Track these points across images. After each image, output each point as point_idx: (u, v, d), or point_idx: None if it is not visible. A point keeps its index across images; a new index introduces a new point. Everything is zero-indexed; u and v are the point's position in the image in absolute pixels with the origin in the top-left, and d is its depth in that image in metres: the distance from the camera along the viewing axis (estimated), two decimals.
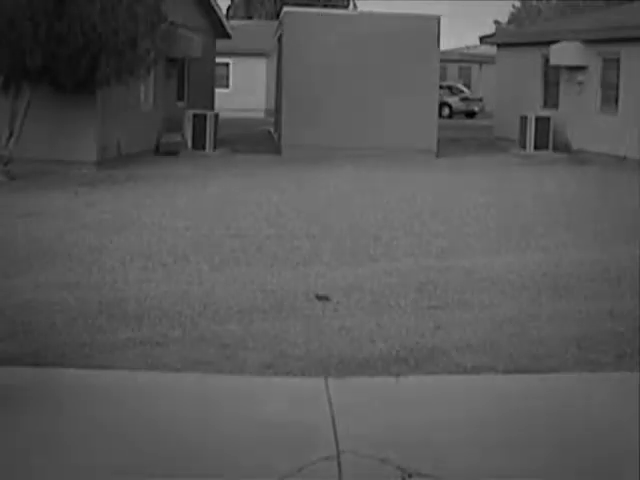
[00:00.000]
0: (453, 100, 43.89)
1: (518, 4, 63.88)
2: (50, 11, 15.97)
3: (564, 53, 23.91)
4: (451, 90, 44.16)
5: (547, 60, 24.94)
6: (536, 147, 23.88)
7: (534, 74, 26.16)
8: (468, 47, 52.10)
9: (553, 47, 24.15)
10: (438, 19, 22.84)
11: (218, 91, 31.05)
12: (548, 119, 24.00)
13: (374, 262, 9.76)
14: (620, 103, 22.49)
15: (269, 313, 7.54)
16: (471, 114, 44.02)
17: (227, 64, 40.20)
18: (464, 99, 44.56)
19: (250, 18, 54.01)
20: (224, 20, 29.09)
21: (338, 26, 22.92)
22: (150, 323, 7.14)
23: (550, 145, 23.89)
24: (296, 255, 10.02)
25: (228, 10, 54.35)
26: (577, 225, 12.45)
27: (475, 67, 50.78)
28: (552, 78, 25.57)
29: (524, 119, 24.23)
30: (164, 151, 22.10)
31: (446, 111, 42.34)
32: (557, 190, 16.66)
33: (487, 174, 19.29)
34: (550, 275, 9.14)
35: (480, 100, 44.85)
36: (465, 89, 46.17)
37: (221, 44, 30.22)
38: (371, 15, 23.88)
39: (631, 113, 21.66)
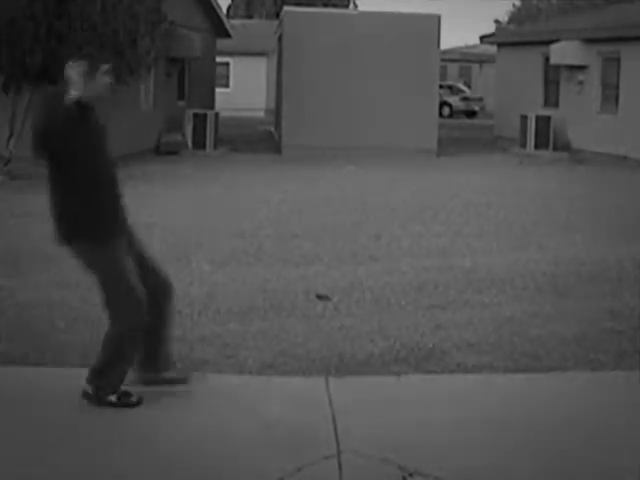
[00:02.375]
0: (453, 99, 43.90)
1: (518, 3, 63.89)
2: (50, 10, 15.97)
3: (564, 52, 23.92)
4: (451, 89, 44.17)
5: (547, 59, 24.95)
6: (536, 146, 23.88)
7: (534, 73, 26.17)
8: (468, 46, 52.12)
9: (553, 46, 24.16)
10: (438, 18, 22.84)
11: (218, 90, 31.08)
12: (548, 118, 24.00)
13: (374, 262, 9.76)
14: (620, 102, 22.49)
15: (269, 312, 7.54)
16: (471, 113, 44.03)
17: (227, 63, 40.23)
18: (464, 98, 44.57)
19: (250, 17, 54.05)
20: (224, 19, 29.12)
21: (338, 26, 22.93)
22: None
23: (550, 144, 23.89)
24: (296, 255, 10.01)
25: (228, 9, 54.40)
26: (577, 225, 12.45)
27: (475, 66, 50.82)
28: (552, 77, 25.58)
29: (524, 118, 24.24)
30: (164, 150, 22.10)
31: (446, 111, 42.35)
32: (557, 189, 16.66)
33: (487, 173, 19.29)
34: (550, 274, 9.14)
35: (480, 99, 44.87)
36: (465, 88, 46.19)
37: (221, 43, 30.25)
38: (371, 15, 23.88)
39: (631, 113, 21.66)
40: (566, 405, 5.46)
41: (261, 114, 39.96)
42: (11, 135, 16.98)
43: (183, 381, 5.48)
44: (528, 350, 6.57)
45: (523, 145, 24.23)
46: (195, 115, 22.69)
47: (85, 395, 5.27)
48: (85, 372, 5.41)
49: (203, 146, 22.56)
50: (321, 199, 14.70)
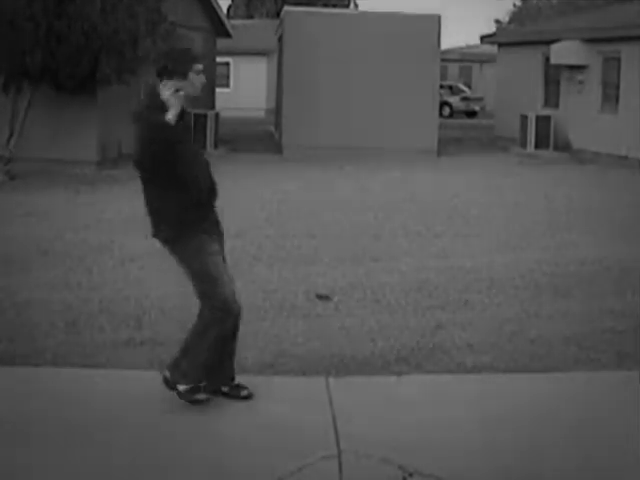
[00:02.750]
0: (454, 99, 43.86)
1: (519, 3, 63.89)
2: (50, 11, 15.97)
3: (565, 52, 23.91)
4: (452, 89, 44.14)
5: (548, 59, 24.93)
6: (537, 146, 23.86)
7: (535, 73, 26.16)
8: (469, 46, 52.09)
9: (554, 46, 24.15)
10: (438, 18, 22.82)
11: (219, 90, 31.03)
12: (549, 118, 23.99)
13: (374, 262, 9.76)
14: (621, 102, 22.47)
15: (270, 312, 7.54)
16: (472, 113, 44.00)
17: (228, 63, 40.19)
18: (465, 98, 44.53)
19: (251, 17, 54.01)
20: (225, 19, 29.08)
21: (338, 26, 22.91)
22: (150, 323, 7.14)
23: (551, 144, 23.87)
24: (296, 255, 10.02)
25: (229, 9, 54.36)
26: (577, 225, 12.45)
27: (476, 66, 50.77)
28: (553, 77, 25.56)
29: (525, 118, 24.22)
30: None
31: (447, 111, 42.33)
32: (557, 189, 16.65)
33: (488, 174, 19.28)
34: (550, 274, 9.14)
35: (481, 99, 44.82)
36: (466, 88, 46.15)
37: (222, 43, 30.22)
38: (371, 14, 23.87)
39: (631, 112, 21.66)
40: (566, 405, 5.46)
41: (261, 114, 39.94)
42: (11, 135, 16.99)
43: (240, 397, 5.44)
44: (528, 350, 6.57)
45: (523, 145, 24.21)
46: (195, 115, 22.66)
47: (164, 379, 5.32)
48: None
49: (203, 146, 22.49)
50: (321, 199, 14.69)
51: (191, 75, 5.16)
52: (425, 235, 11.37)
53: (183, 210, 5.18)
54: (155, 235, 5.34)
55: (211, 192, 5.35)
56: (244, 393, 5.42)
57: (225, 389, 5.43)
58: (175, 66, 5.14)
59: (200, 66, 5.22)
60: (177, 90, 5.08)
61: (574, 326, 7.21)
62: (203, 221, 5.27)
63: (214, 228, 5.37)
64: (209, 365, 5.28)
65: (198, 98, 5.40)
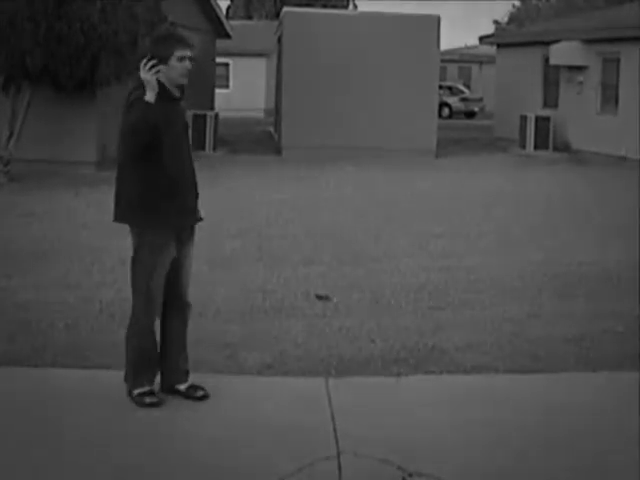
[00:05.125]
0: (453, 100, 43.88)
1: (518, 4, 63.92)
2: (50, 11, 15.96)
3: (564, 53, 23.92)
4: (451, 90, 44.15)
5: (547, 60, 24.95)
6: (536, 147, 23.89)
7: (534, 74, 26.17)
8: (468, 47, 52.12)
9: (553, 47, 24.16)
10: (438, 19, 22.84)
11: (218, 91, 31.04)
12: (548, 119, 24.01)
13: (374, 262, 9.76)
14: (620, 103, 22.49)
15: (269, 313, 7.54)
16: (471, 114, 44.02)
17: (227, 64, 40.21)
18: (464, 99, 44.55)
19: (250, 18, 54.03)
20: (224, 20, 29.08)
21: (338, 26, 22.92)
22: None
23: (550, 145, 23.90)
24: (296, 255, 10.01)
25: (228, 10, 54.36)
26: (577, 225, 12.45)
27: (475, 67, 50.80)
28: (552, 78, 25.58)
29: (524, 119, 24.24)
30: None
31: (446, 111, 42.34)
32: (557, 190, 16.66)
33: (487, 174, 19.29)
34: (550, 275, 9.14)
35: (480, 100, 44.84)
36: (465, 89, 46.17)
37: (221, 44, 30.22)
38: (371, 15, 23.88)
39: (631, 113, 21.66)
40: (566, 405, 5.46)
41: (261, 114, 39.95)
42: (10, 135, 16.98)
43: (196, 398, 5.43)
44: (528, 350, 6.57)
45: (523, 146, 24.23)
46: (195, 116, 22.63)
47: (127, 391, 5.37)
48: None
49: (203, 147, 22.49)
50: (321, 199, 14.70)
51: (172, 61, 5.08)
52: (425, 235, 11.37)
53: (154, 197, 5.15)
54: (116, 218, 5.34)
55: (187, 184, 5.35)
56: (200, 394, 5.39)
57: (181, 388, 5.42)
58: (156, 50, 5.08)
59: (185, 52, 5.11)
60: (154, 68, 5.00)
61: (574, 326, 7.21)
62: (175, 213, 5.25)
63: (185, 224, 5.38)
64: (139, 363, 5.27)
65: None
